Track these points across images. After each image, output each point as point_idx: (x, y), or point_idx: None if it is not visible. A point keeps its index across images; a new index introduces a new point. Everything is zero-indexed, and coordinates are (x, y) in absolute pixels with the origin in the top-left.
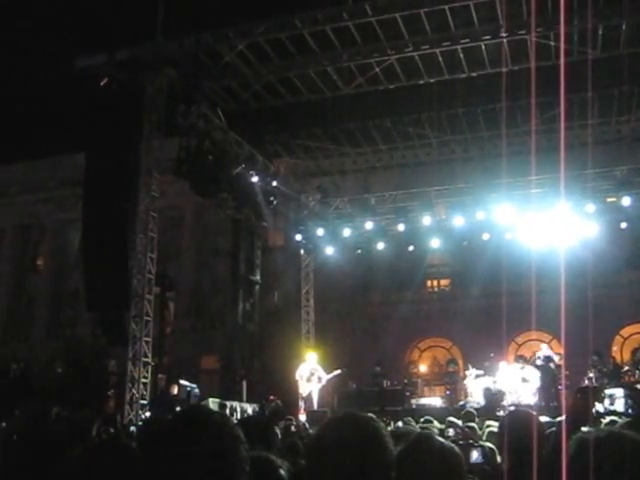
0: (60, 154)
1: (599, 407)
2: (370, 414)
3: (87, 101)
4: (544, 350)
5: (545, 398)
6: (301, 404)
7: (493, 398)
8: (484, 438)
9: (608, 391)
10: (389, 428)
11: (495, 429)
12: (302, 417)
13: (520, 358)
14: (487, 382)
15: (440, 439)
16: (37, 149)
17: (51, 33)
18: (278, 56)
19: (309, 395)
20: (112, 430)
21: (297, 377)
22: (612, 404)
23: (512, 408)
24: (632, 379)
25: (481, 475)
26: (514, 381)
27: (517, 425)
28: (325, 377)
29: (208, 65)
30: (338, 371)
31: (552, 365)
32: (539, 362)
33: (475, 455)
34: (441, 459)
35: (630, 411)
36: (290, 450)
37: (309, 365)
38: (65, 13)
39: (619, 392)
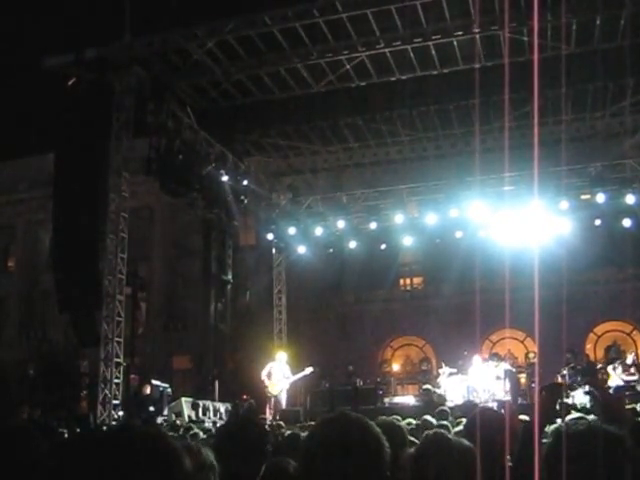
0: (29, 155)
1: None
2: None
3: (55, 101)
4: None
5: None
6: (270, 403)
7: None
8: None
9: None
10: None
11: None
12: (268, 416)
13: (495, 356)
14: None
15: (455, 438)
16: (5, 150)
17: (18, 32)
18: (248, 54)
19: (279, 395)
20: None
21: (263, 377)
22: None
23: (482, 406)
24: (605, 377)
25: None
26: (488, 379)
27: (485, 424)
28: (292, 377)
29: (177, 64)
30: (310, 369)
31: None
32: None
33: None
34: (459, 457)
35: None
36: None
37: (280, 365)
38: (32, 12)
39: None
